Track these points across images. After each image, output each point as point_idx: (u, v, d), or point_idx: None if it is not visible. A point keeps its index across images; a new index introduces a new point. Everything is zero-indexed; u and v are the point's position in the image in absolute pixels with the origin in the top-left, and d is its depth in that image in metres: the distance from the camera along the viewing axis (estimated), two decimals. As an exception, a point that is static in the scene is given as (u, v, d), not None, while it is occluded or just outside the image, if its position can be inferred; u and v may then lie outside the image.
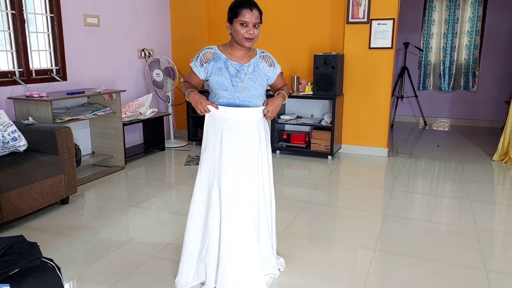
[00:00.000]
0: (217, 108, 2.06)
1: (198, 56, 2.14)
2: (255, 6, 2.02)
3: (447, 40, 6.97)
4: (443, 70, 7.08)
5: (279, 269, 2.42)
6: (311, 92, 4.86)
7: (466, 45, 6.90)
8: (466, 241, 2.88)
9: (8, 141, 3.08)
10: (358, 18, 4.78)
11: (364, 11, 4.73)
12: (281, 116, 5.03)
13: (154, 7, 5.44)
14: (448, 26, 6.92)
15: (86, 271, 2.47)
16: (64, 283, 1.56)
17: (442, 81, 7.13)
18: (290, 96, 4.90)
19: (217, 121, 2.08)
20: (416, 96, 7.10)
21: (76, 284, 2.34)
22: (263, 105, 2.16)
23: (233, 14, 2.02)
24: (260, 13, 2.05)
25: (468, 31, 6.84)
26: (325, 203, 3.59)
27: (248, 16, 1.99)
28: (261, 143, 2.16)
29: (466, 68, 6.97)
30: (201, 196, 2.16)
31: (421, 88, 7.29)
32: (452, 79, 7.07)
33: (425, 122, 7.21)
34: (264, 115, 2.14)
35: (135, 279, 2.37)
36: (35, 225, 3.07)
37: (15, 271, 1.16)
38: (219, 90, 2.08)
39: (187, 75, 2.22)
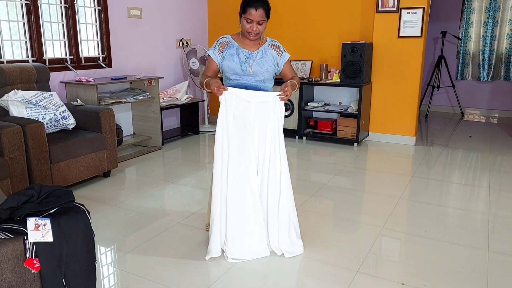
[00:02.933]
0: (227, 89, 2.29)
1: (215, 46, 2.42)
2: (261, 5, 2.24)
3: (487, 29, 6.82)
4: (483, 59, 6.94)
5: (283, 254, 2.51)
6: (339, 80, 5.02)
7: (507, 34, 6.71)
8: (475, 225, 2.99)
9: (59, 119, 3.52)
10: (388, 7, 4.87)
11: (393, 0, 4.81)
12: (309, 103, 5.23)
13: (193, 0, 5.79)
14: (489, 14, 6.76)
15: (119, 232, 2.84)
16: (94, 231, 1.88)
17: (481, 71, 6.99)
18: (318, 84, 5.12)
19: (229, 100, 2.33)
20: (453, 86, 7.01)
21: (109, 241, 2.72)
22: (282, 88, 2.31)
23: (242, 10, 2.29)
24: (267, 11, 2.27)
25: (510, 19, 6.65)
26: (342, 186, 3.78)
27: (253, 14, 2.24)
28: (271, 123, 2.37)
29: (507, 57, 6.79)
30: (218, 169, 2.41)
31: (459, 78, 7.19)
32: (492, 69, 6.92)
33: (462, 113, 7.12)
34: (282, 92, 2.29)
35: (160, 240, 2.71)
36: (80, 193, 3.50)
37: (54, 210, 1.52)
38: (230, 74, 2.36)
39: (205, 70, 2.46)
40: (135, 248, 2.61)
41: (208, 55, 2.44)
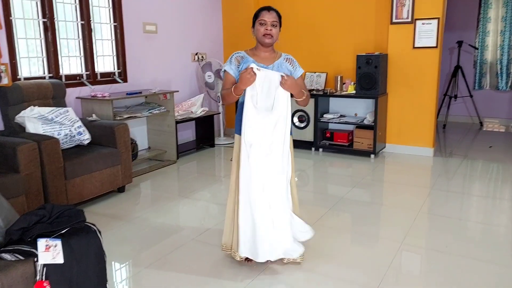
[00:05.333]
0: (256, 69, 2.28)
1: (231, 61, 2.41)
2: (273, 9, 2.38)
3: (504, 37, 6.69)
4: (500, 68, 6.80)
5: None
6: (354, 92, 4.96)
7: (526, 42, 6.58)
8: (498, 239, 2.89)
9: (74, 135, 3.55)
10: (402, 18, 4.81)
11: (408, 11, 4.75)
12: (324, 115, 5.18)
13: (207, 14, 5.82)
14: (505, 23, 6.63)
15: (134, 248, 2.82)
16: (106, 249, 1.86)
17: (500, 80, 6.84)
18: (333, 95, 5.08)
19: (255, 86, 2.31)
20: (471, 96, 6.88)
21: (124, 257, 2.70)
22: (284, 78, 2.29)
23: (255, 17, 2.38)
24: (279, 15, 2.38)
25: (528, 27, 6.52)
26: (360, 199, 3.70)
27: (266, 16, 2.33)
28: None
29: (526, 66, 6.65)
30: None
31: (476, 87, 7.05)
32: (510, 78, 6.77)
33: (480, 123, 6.96)
34: (282, 78, 2.27)
35: (175, 256, 2.68)
36: (95, 209, 3.50)
37: (65, 230, 1.50)
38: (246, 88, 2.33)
39: (223, 85, 2.46)
40: (149, 264, 2.58)
41: (224, 70, 2.44)
